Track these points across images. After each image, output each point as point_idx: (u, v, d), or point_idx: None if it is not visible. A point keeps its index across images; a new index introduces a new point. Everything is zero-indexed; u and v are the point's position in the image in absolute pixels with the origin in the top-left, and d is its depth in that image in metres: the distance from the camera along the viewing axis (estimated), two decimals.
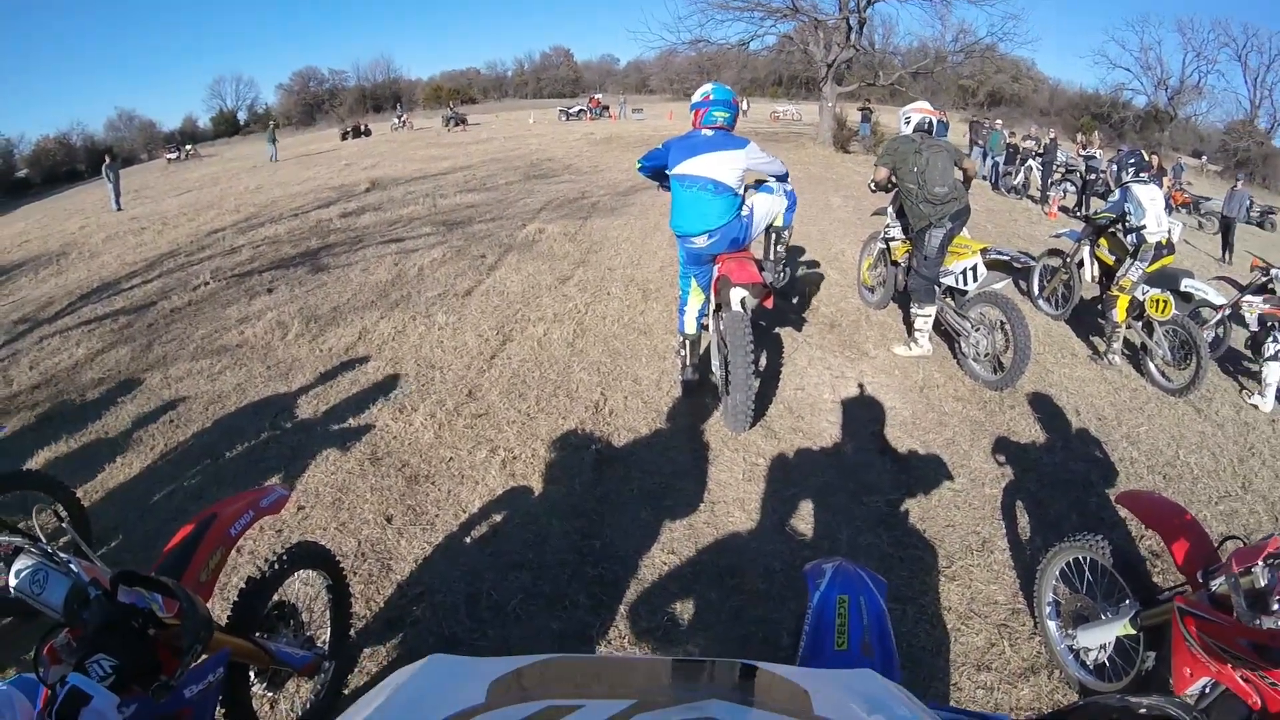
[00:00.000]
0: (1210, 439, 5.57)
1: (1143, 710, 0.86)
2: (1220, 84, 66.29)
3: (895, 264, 6.80)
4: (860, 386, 5.65)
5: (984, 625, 3.45)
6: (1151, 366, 6.41)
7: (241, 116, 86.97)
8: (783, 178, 5.03)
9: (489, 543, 3.76)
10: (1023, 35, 39.77)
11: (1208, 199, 20.07)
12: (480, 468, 4.36)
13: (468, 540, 3.79)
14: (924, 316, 6.13)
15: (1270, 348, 6.45)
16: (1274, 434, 5.98)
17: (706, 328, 5.18)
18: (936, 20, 27.59)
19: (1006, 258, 5.78)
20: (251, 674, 2.34)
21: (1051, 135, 19.72)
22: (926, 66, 29.85)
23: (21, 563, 1.62)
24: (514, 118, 49.69)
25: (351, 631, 3.01)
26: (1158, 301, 6.19)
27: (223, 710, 2.19)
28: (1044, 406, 5.66)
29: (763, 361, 5.81)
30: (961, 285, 5.93)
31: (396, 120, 46.05)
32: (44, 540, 1.70)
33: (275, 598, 2.49)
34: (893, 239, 6.81)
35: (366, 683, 2.99)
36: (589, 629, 3.25)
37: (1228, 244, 15.11)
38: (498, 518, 3.94)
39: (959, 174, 5.98)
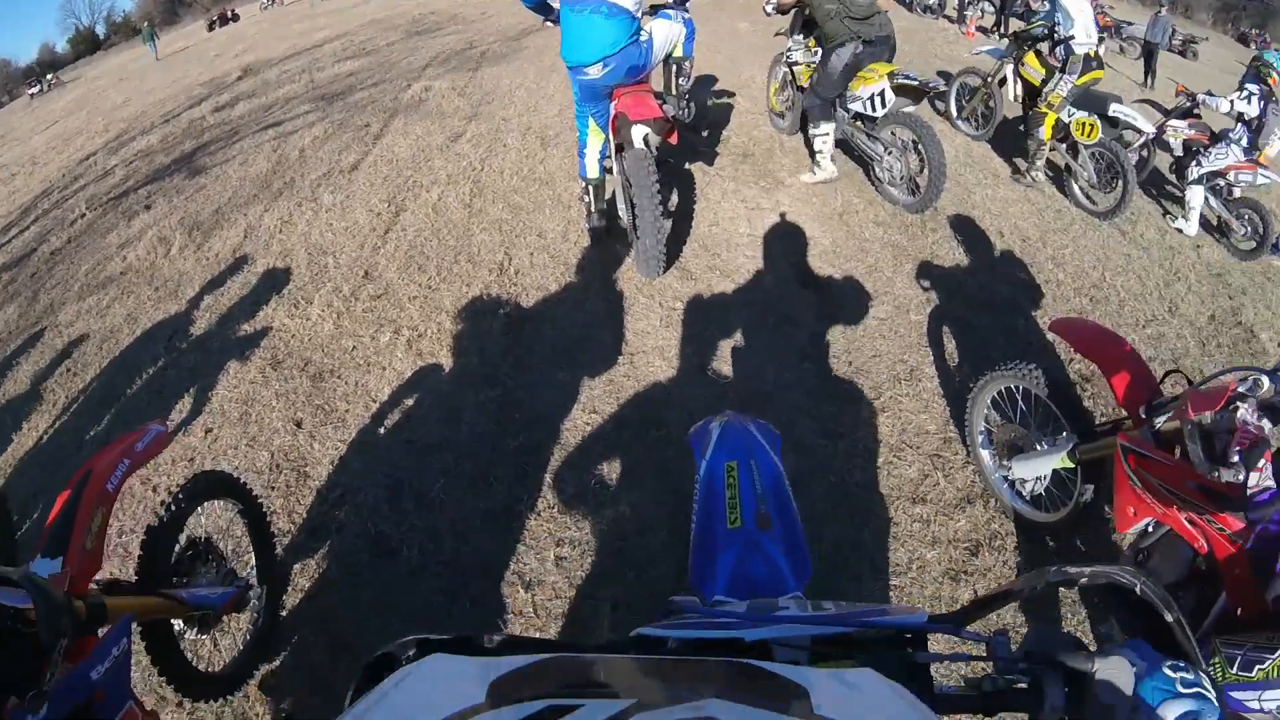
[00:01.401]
0: (1136, 262, 5.60)
1: (1084, 580, 0.84)
2: None
3: (800, 88, 6.45)
4: (778, 217, 5.45)
5: (916, 457, 3.44)
6: (1076, 189, 6.46)
7: (100, 31, 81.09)
8: (680, 3, 4.69)
9: (404, 429, 3.61)
10: None
11: (1130, 23, 19.57)
12: (385, 352, 4.14)
13: (381, 431, 3.63)
14: (822, 136, 5.84)
15: (1194, 172, 6.64)
16: (1198, 259, 6.06)
17: (610, 170, 4.82)
18: None
19: (915, 82, 5.46)
20: (177, 625, 2.21)
21: None
22: None
23: None
24: None
25: (278, 550, 2.89)
26: (1083, 125, 6.20)
27: (158, 670, 2.10)
28: (967, 229, 5.56)
29: (673, 200, 5.55)
30: (870, 112, 5.61)
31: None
32: None
33: (185, 539, 2.33)
34: (795, 62, 6.45)
35: (302, 597, 2.88)
36: (516, 504, 3.16)
37: (1150, 70, 14.95)
38: (409, 402, 3.77)
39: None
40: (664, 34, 4.48)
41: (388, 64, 12.54)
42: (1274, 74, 6.99)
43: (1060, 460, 2.80)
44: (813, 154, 6.06)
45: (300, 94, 11.36)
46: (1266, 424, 2.02)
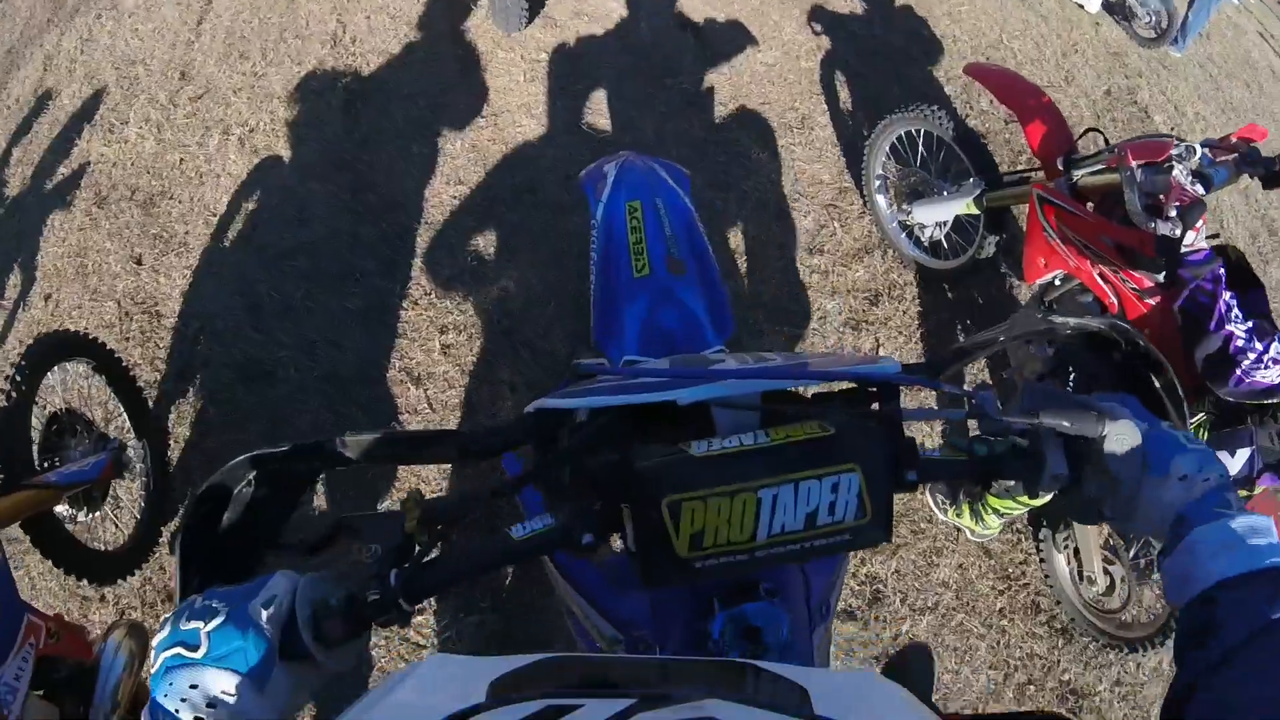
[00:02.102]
0: (1034, 28, 5.54)
1: (1069, 330, 0.82)
2: None
3: None
4: None
5: (811, 206, 3.37)
6: None
7: None
8: None
9: (252, 239, 3.29)
10: None
11: None
12: (216, 157, 3.71)
13: (228, 246, 3.30)
14: None
15: None
16: (1096, 36, 5.96)
17: None
18: None
19: None
20: (62, 512, 2.06)
21: None
22: None
23: None
24: None
25: (149, 403, 2.66)
26: None
27: (56, 565, 1.96)
28: None
29: None
30: None
31: None
32: None
33: (43, 414, 2.14)
34: None
35: (186, 445, 2.70)
36: (388, 296, 2.94)
37: None
38: (253, 207, 3.42)
39: None
40: None
41: None
42: None
43: (966, 205, 2.78)
44: None
45: None
46: (1200, 189, 2.04)
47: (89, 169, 3.97)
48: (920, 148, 3.02)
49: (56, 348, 2.25)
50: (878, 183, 3.27)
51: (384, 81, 3.94)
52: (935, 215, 2.95)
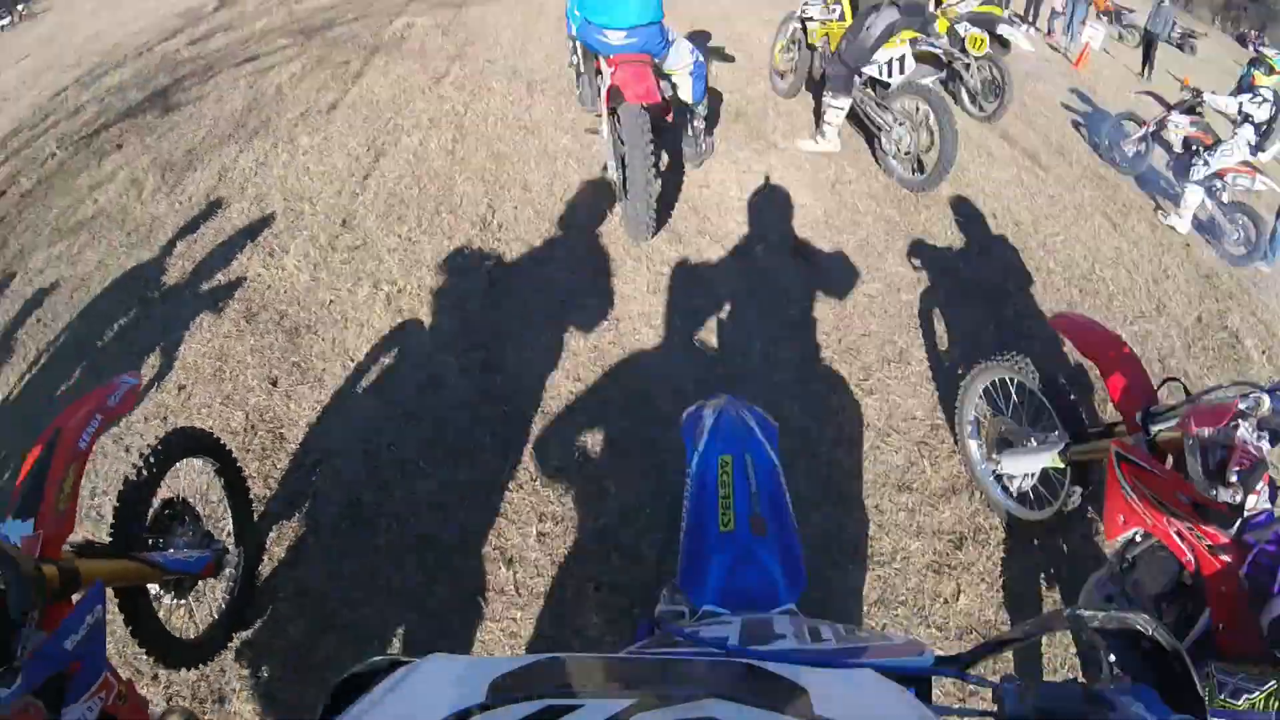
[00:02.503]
0: (1126, 255, 5.64)
1: (1096, 623, 0.81)
2: None
3: (811, 48, 6.25)
4: (769, 182, 5.35)
5: (903, 443, 3.42)
6: (964, 96, 7.15)
7: None
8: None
9: (383, 392, 3.52)
10: None
11: (1131, 10, 19.20)
12: (364, 307, 4.03)
13: (360, 392, 3.54)
14: (836, 109, 5.64)
15: (1198, 171, 6.66)
16: (1187, 258, 6.09)
17: (593, 131, 4.86)
18: None
19: (938, 49, 5.27)
20: (154, 589, 2.17)
21: None
22: None
23: None
24: None
25: (254, 514, 2.82)
26: (975, 39, 6.45)
27: (134, 637, 2.03)
28: (961, 208, 5.52)
29: (664, 160, 5.34)
30: (885, 77, 5.41)
31: None
32: None
33: (161, 497, 2.27)
34: (810, 18, 6.18)
35: (279, 566, 2.83)
36: (497, 475, 3.10)
37: (1149, 60, 14.59)
38: (389, 361, 3.68)
39: None
40: (687, 48, 4.53)
41: None
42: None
43: (1051, 459, 2.81)
44: (819, 120, 5.88)
45: (278, 27, 11.01)
46: (1265, 444, 2.04)
47: (244, 284, 4.34)
48: (1012, 395, 3.09)
49: (191, 442, 2.44)
50: (970, 427, 3.32)
51: (523, 270, 4.26)
52: (1022, 466, 2.99)
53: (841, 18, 5.73)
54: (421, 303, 4.03)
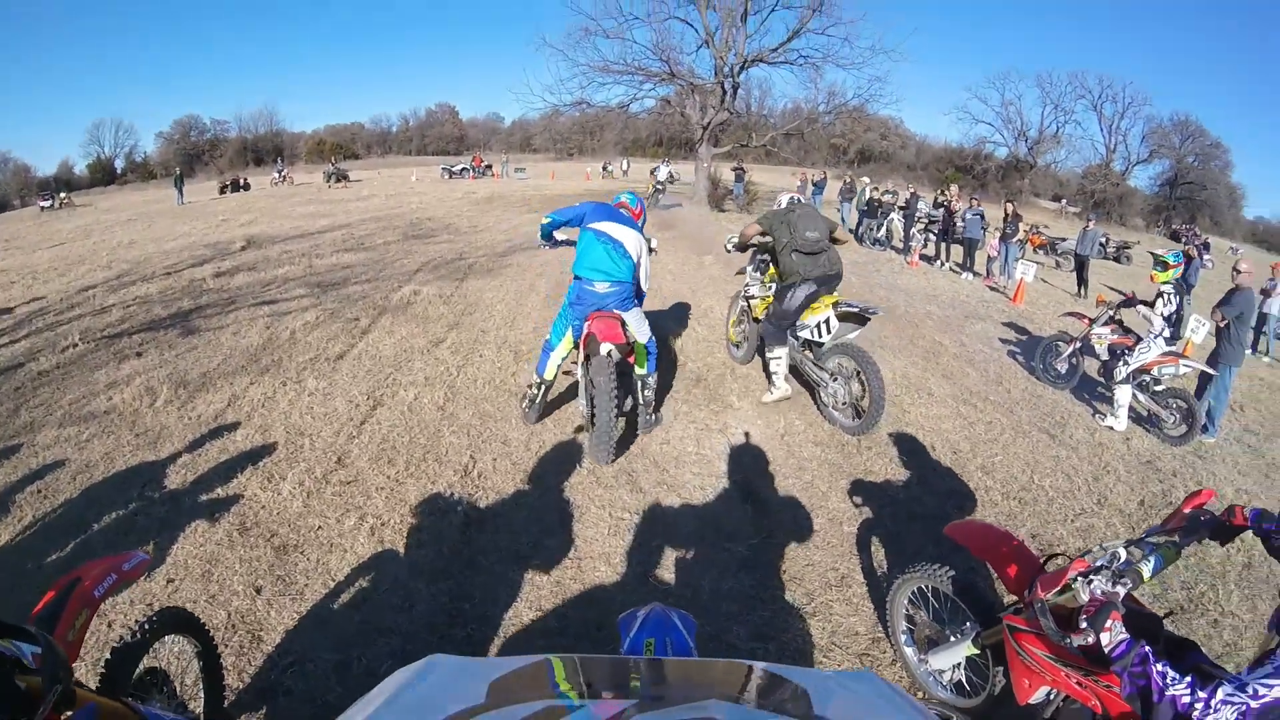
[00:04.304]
0: (1065, 462, 6.05)
1: None
2: (1077, 132, 73.01)
3: (757, 320, 7.21)
4: (725, 438, 5.93)
5: (846, 656, 3.64)
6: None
7: (119, 165, 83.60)
8: (639, 293, 5.61)
9: (358, 609, 3.82)
10: (888, 96, 42.62)
11: (1063, 239, 21.65)
12: (349, 535, 4.43)
13: (336, 608, 3.85)
14: (776, 359, 6.55)
15: (1121, 371, 7.12)
16: (1128, 450, 6.51)
17: (569, 373, 5.72)
18: (809, 83, 29.24)
19: (856, 309, 6.23)
20: None
21: (911, 190, 21.02)
22: (798, 128, 31.72)
23: None
24: (397, 175, 49.53)
25: (225, 702, 3.04)
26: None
27: None
28: (901, 445, 6.05)
29: (627, 404, 5.92)
30: (817, 338, 6.33)
31: (277, 175, 45.42)
32: None
33: (145, 663, 2.51)
34: (753, 296, 7.28)
35: None
36: None
37: (1083, 280, 16.05)
38: (366, 584, 4.02)
39: (829, 234, 6.44)
40: (640, 316, 5.51)
41: (382, 262, 13.39)
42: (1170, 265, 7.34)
43: (967, 648, 3.05)
44: (769, 375, 6.68)
45: (298, 277, 12.06)
46: (1121, 588, 2.29)
47: (241, 501, 4.78)
48: (930, 599, 3.37)
49: (183, 623, 2.75)
50: (904, 636, 3.55)
51: (497, 514, 4.71)
52: (947, 660, 3.18)
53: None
54: (402, 536, 4.44)
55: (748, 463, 5.61)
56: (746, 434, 6.07)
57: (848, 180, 24.09)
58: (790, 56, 27.70)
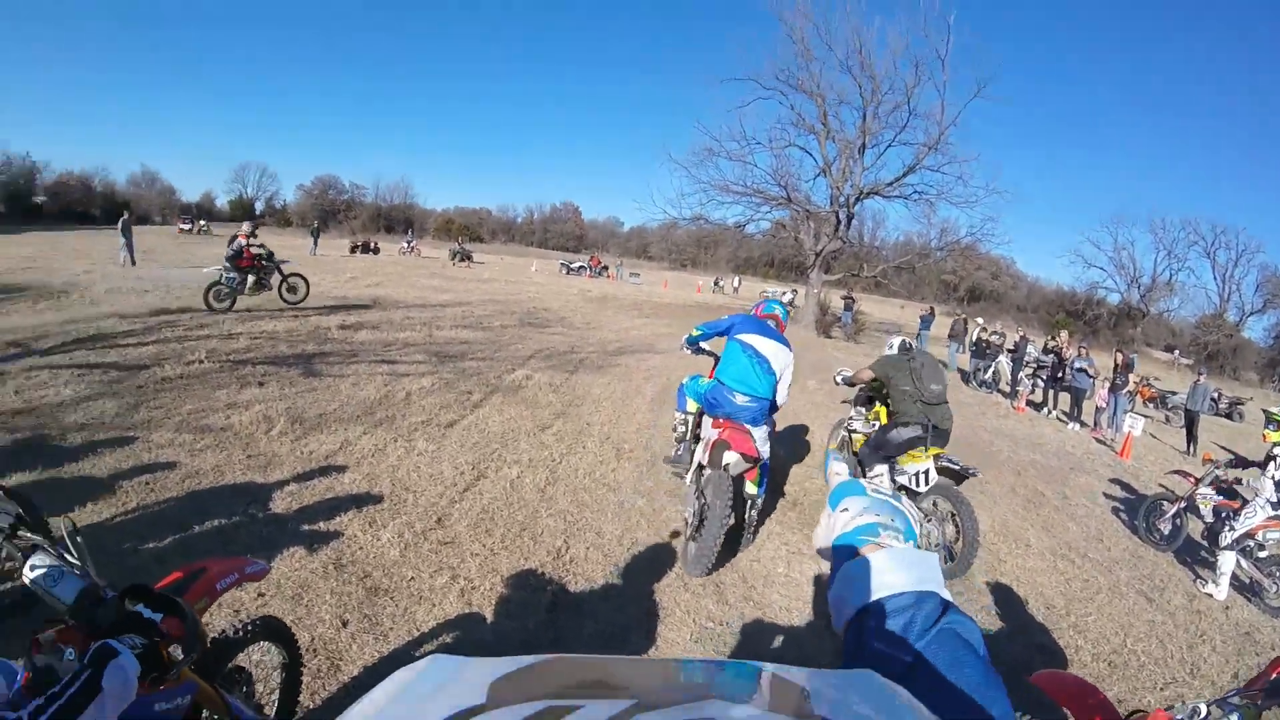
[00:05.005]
0: (1160, 627, 5.80)
1: None
2: (1190, 280, 70.62)
3: (855, 454, 7.16)
4: (815, 565, 5.83)
5: None
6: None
7: (258, 206, 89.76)
8: (773, 404, 5.69)
9: None
10: (999, 236, 42.89)
11: (1174, 393, 20.69)
12: (439, 592, 4.51)
13: (416, 656, 3.82)
14: (877, 477, 6.46)
15: (1225, 537, 6.81)
16: (1226, 620, 6.21)
17: (681, 475, 5.94)
18: (923, 218, 29.75)
19: (957, 466, 6.18)
20: None
21: (1021, 333, 20.75)
22: (910, 262, 32.16)
23: (38, 559, 1.84)
24: (517, 263, 51.31)
25: (296, 716, 3.13)
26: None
27: None
28: (994, 593, 5.89)
29: (730, 521, 5.81)
30: (914, 487, 6.27)
31: (405, 244, 47.84)
32: (63, 544, 1.94)
33: (237, 661, 2.66)
34: (855, 430, 7.27)
35: None
36: None
37: (1192, 436, 15.43)
38: (448, 640, 4.07)
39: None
40: (766, 434, 5.60)
41: (498, 344, 13.81)
42: None
43: None
44: None
45: (418, 343, 12.57)
46: None
47: (340, 539, 4.93)
48: None
49: (280, 633, 2.90)
50: None
51: (584, 601, 4.72)
52: None
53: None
54: (490, 603, 4.50)
55: None
56: None
57: (961, 320, 23.84)
58: (905, 191, 28.73)
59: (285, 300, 15.55)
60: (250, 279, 14.90)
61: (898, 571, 0.89)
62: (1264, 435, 7.22)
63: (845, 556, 0.94)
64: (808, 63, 27.88)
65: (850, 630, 0.89)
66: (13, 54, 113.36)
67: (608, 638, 4.38)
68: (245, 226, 15.70)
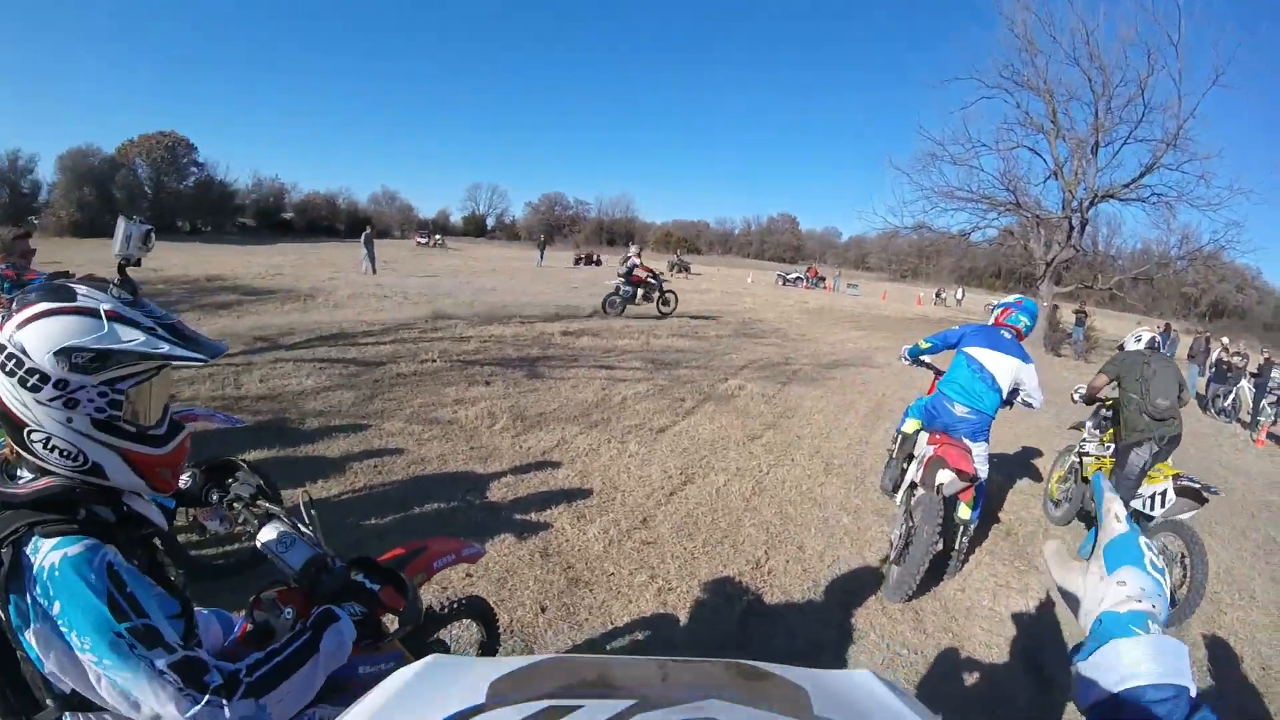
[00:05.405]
0: None
1: None
2: None
3: (1085, 480, 6.69)
4: (1024, 600, 5.47)
5: None
6: None
7: (489, 222, 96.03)
8: (1030, 405, 5.49)
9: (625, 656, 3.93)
10: (1246, 243, 38.42)
11: None
12: (637, 589, 4.59)
13: (608, 649, 4.00)
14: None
15: None
16: None
17: (892, 492, 5.80)
18: (1161, 223, 26.85)
19: (1198, 485, 5.58)
20: None
21: (1266, 354, 18.14)
22: (1147, 272, 29.27)
23: (274, 525, 2.02)
24: (734, 274, 51.52)
25: None
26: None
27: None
28: (1208, 646, 5.35)
29: (938, 546, 5.58)
30: (1148, 510, 5.78)
31: (625, 258, 49.04)
32: (297, 515, 2.11)
33: (439, 634, 2.81)
34: (1087, 454, 6.76)
35: None
36: None
37: None
38: (640, 637, 4.14)
39: (1179, 394, 5.98)
40: (985, 453, 5.35)
41: (712, 353, 13.92)
42: None
43: None
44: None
45: (634, 351, 12.91)
46: None
47: (548, 530, 5.13)
48: None
49: (483, 614, 3.06)
50: None
51: (779, 614, 4.65)
52: None
53: (1113, 454, 6.24)
54: (685, 605, 4.53)
55: (1042, 632, 5.07)
56: (1047, 601, 5.48)
57: (1203, 338, 21.46)
58: (1142, 193, 25.69)
59: (660, 311, 18.77)
60: (639, 292, 18.59)
61: (1158, 660, 0.87)
62: None
63: (1107, 633, 0.91)
64: (1032, 57, 25.80)
65: (1098, 710, 0.87)
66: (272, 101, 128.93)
67: (798, 652, 4.30)
68: (633, 248, 19.69)
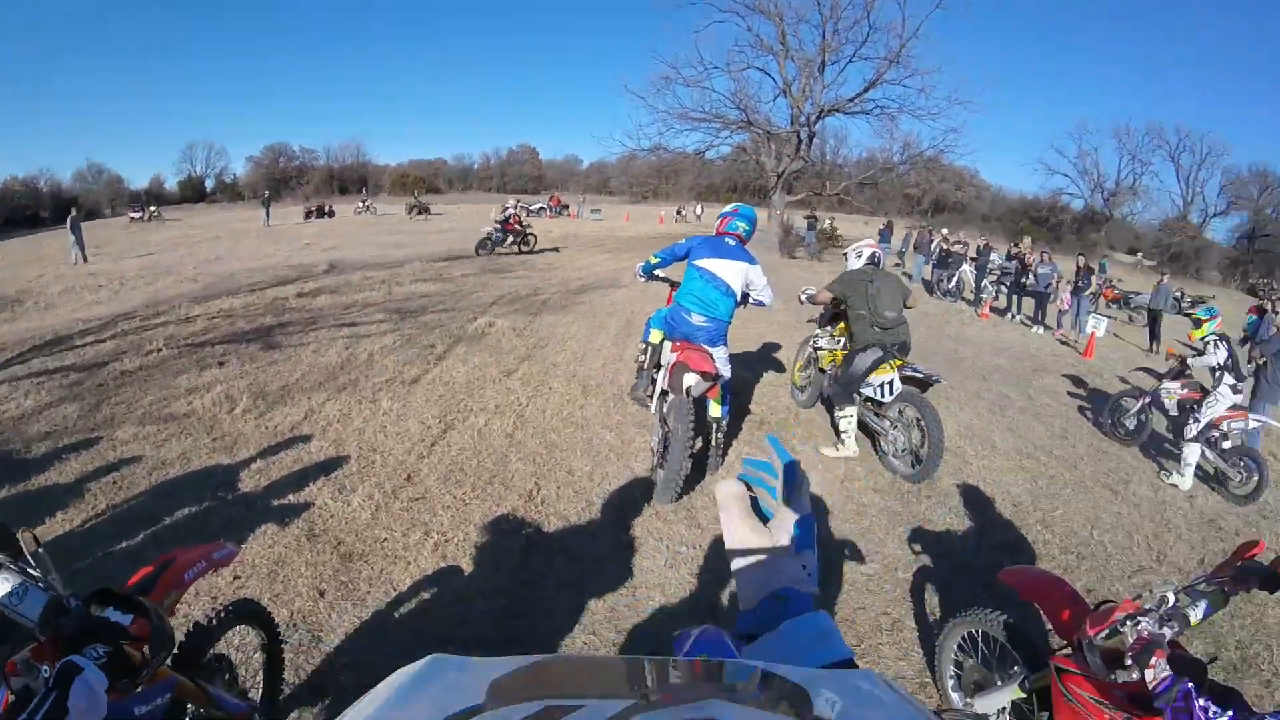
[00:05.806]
0: (1126, 518, 5.96)
1: None
2: (1154, 184, 71.23)
3: (822, 370, 7.29)
4: None
5: None
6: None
7: (209, 184, 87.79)
8: (762, 303, 5.75)
9: (416, 620, 3.91)
10: (963, 147, 42.56)
11: (1137, 294, 20.99)
12: (413, 549, 4.53)
13: (396, 616, 3.94)
14: (846, 418, 6.56)
15: (1190, 430, 7.04)
16: (1191, 509, 6.39)
17: (644, 403, 5.95)
18: (885, 133, 29.54)
19: (920, 374, 6.24)
20: (187, 715, 2.40)
21: (983, 240, 20.79)
22: (873, 178, 32.16)
23: (3, 577, 1.77)
24: (478, 210, 50.47)
25: (281, 694, 3.16)
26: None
27: None
28: (961, 495, 6.00)
29: (697, 444, 5.95)
30: (879, 397, 6.37)
31: (360, 204, 46.92)
32: (25, 559, 1.86)
33: (215, 648, 2.63)
34: (820, 347, 7.35)
35: None
36: None
37: (1155, 335, 15.76)
38: (426, 596, 4.11)
39: (904, 305, 6.53)
40: (725, 357, 5.65)
41: (459, 294, 13.72)
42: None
43: (1013, 692, 3.02)
44: (837, 432, 6.70)
45: (377, 302, 12.43)
46: (1168, 630, 2.32)
47: (311, 509, 4.92)
48: (980, 644, 3.35)
49: (255, 615, 2.90)
50: (950, 681, 3.55)
51: (557, 539, 4.77)
52: (991, 705, 3.12)
53: (844, 346, 6.83)
54: (464, 553, 4.53)
55: None
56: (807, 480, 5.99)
57: (927, 232, 23.85)
58: (866, 107, 28.37)
59: (520, 250, 22.46)
60: (509, 238, 22.17)
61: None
62: (1189, 335, 7.61)
63: None
64: None
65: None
66: None
67: (581, 574, 4.43)
68: (512, 200, 23.84)
